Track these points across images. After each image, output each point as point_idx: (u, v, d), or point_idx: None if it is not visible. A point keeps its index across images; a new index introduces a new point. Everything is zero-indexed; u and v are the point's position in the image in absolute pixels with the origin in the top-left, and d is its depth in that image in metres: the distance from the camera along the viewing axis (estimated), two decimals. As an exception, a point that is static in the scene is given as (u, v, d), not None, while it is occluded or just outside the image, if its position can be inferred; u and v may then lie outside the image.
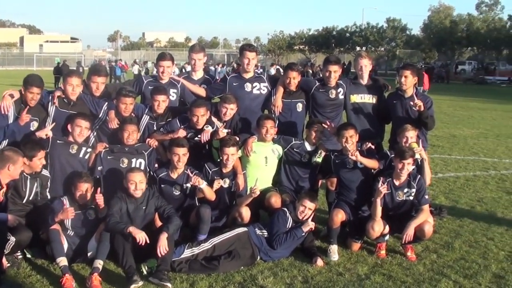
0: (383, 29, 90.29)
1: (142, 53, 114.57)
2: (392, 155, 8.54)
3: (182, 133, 8.70)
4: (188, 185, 8.38)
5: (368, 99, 9.59)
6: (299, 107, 9.63)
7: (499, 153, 17.56)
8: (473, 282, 7.37)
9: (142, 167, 8.41)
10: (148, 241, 7.20)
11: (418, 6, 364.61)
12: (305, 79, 10.66)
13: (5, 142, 8.14)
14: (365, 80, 9.65)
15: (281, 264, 7.86)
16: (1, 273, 7.08)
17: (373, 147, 8.95)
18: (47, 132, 8.22)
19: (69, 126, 8.35)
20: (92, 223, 7.79)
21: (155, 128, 9.04)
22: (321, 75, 11.95)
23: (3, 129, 8.13)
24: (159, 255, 7.22)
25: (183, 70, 33.32)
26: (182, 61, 61.53)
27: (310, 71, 55.97)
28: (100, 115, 8.86)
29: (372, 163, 8.61)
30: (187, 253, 7.68)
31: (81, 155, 8.41)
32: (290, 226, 8.11)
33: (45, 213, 7.66)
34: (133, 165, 8.38)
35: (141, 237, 7.18)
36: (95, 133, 8.90)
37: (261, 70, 11.97)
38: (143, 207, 7.80)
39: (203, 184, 8.14)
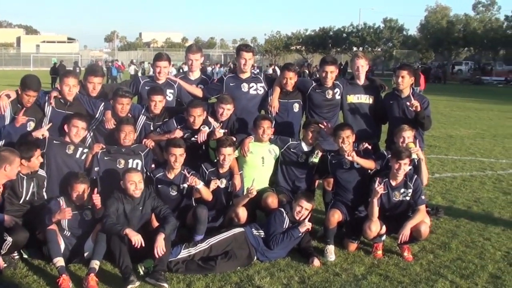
0: (380, 30, 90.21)
1: (139, 53, 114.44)
2: (389, 155, 8.54)
3: (179, 133, 8.71)
4: (185, 185, 8.38)
5: (365, 99, 9.59)
6: (296, 107, 9.63)
7: (496, 153, 17.58)
8: (470, 282, 7.37)
9: (139, 168, 8.41)
10: (143, 244, 7.20)
11: (415, 6, 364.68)
12: (302, 79, 10.69)
13: (1, 143, 8.14)
14: (361, 80, 9.66)
15: (278, 264, 7.85)
16: (-2, 274, 7.08)
17: (369, 147, 8.96)
18: (43, 132, 8.21)
19: (65, 127, 8.34)
20: (89, 224, 7.78)
21: (151, 128, 9.05)
22: (317, 76, 11.95)
23: (-1, 130, 8.15)
24: (156, 256, 7.21)
25: (181, 70, 33.36)
26: (179, 62, 61.59)
27: (307, 72, 56.03)
28: (97, 116, 8.85)
29: (369, 164, 8.61)
30: (184, 253, 7.68)
31: (77, 156, 8.40)
32: (287, 227, 8.11)
33: (42, 213, 7.64)
34: (129, 166, 8.37)
35: (137, 239, 7.18)
36: (91, 134, 8.89)
37: (258, 71, 11.93)
38: (140, 208, 7.81)
39: (199, 185, 8.14)
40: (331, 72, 9.46)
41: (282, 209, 8.28)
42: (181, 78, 9.93)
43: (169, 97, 9.56)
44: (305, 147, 9.07)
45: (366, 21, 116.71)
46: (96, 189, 7.84)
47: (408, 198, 8.34)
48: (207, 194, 8.29)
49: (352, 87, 9.64)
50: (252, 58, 9.79)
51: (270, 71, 51.61)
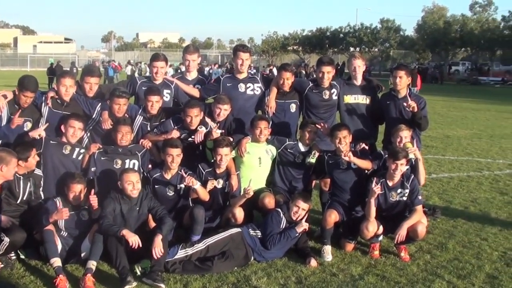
0: (376, 30, 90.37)
1: (136, 53, 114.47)
2: (386, 155, 8.55)
3: (175, 133, 8.70)
4: (182, 185, 8.38)
5: (362, 99, 9.60)
6: (293, 107, 9.63)
7: (493, 154, 17.61)
8: (467, 283, 7.38)
9: (136, 168, 8.41)
10: (141, 245, 7.20)
11: (411, 6, 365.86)
12: (299, 79, 10.66)
13: (-3, 144, 8.13)
14: (358, 81, 9.66)
15: (275, 264, 7.86)
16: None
17: (366, 147, 8.96)
18: (40, 132, 8.20)
19: (62, 127, 8.34)
20: (86, 224, 7.78)
21: (148, 128, 9.03)
22: (314, 76, 11.95)
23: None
24: (155, 257, 7.21)
25: (179, 71, 33.36)
26: (176, 62, 61.48)
27: (304, 72, 56.03)
28: (94, 116, 8.84)
29: (365, 164, 8.62)
30: (181, 253, 7.68)
31: (74, 156, 8.38)
32: (283, 227, 8.11)
33: (39, 213, 7.64)
34: (126, 166, 8.37)
35: (134, 240, 7.19)
36: (88, 134, 8.88)
37: (255, 71, 11.92)
38: (137, 208, 7.81)
39: (196, 185, 8.14)
40: (328, 72, 9.46)
41: (279, 210, 8.29)
42: (178, 79, 9.92)
43: (166, 97, 9.55)
44: (302, 148, 9.07)
45: (363, 21, 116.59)
46: (93, 190, 7.83)
47: (405, 198, 8.35)
48: (204, 195, 8.28)
49: (349, 88, 9.64)
50: (249, 58, 9.79)
51: (267, 71, 51.66)
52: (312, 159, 8.86)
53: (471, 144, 19.47)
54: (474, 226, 9.82)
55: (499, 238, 9.21)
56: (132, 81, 10.01)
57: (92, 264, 7.13)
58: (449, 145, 19.20)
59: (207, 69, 56.14)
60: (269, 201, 8.66)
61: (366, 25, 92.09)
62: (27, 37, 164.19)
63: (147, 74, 13.35)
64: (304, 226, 8.06)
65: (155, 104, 8.93)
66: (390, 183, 8.32)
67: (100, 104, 8.90)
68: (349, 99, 9.59)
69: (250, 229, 8.15)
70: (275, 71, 45.39)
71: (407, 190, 8.31)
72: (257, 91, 9.69)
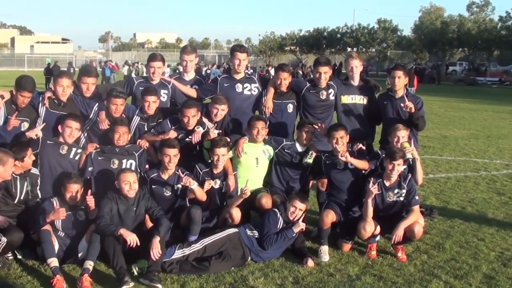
0: (374, 30, 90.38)
1: (133, 54, 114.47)
2: (383, 155, 8.55)
3: (173, 134, 8.71)
4: (179, 185, 8.38)
5: (359, 100, 9.59)
6: (290, 108, 9.63)
7: (490, 154, 17.61)
8: (464, 283, 7.38)
9: (133, 168, 8.39)
10: (139, 244, 7.20)
11: (409, 7, 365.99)
12: (296, 80, 10.66)
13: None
14: (356, 81, 9.66)
15: (272, 264, 7.85)
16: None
17: (363, 148, 8.96)
18: (37, 132, 8.19)
19: (59, 127, 8.33)
20: (83, 224, 7.77)
21: (146, 129, 9.03)
22: (311, 76, 11.96)
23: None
24: (153, 259, 7.20)
25: (177, 71, 33.36)
26: (173, 62, 61.49)
27: (301, 72, 56.06)
28: (91, 116, 8.84)
29: (362, 164, 8.61)
30: (178, 254, 7.67)
31: (71, 156, 8.38)
32: (280, 227, 8.11)
33: (36, 213, 7.63)
34: (123, 166, 8.37)
35: (132, 239, 7.20)
36: (85, 134, 8.87)
37: (252, 71, 11.92)
38: (134, 208, 7.80)
39: (194, 185, 8.14)
40: (325, 72, 9.45)
41: (276, 210, 8.28)
42: (176, 79, 9.92)
43: (163, 97, 9.55)
44: (299, 148, 9.07)
45: (360, 21, 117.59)
46: (90, 190, 7.83)
47: (402, 198, 8.35)
48: (201, 195, 8.28)
49: (346, 88, 9.64)
50: (246, 58, 9.79)
51: (265, 72, 51.68)
52: (309, 159, 8.87)
53: (468, 145, 19.47)
54: (471, 226, 9.82)
55: (496, 238, 9.21)
56: (129, 81, 10.01)
57: (89, 264, 7.12)
58: (446, 145, 19.20)
59: (204, 69, 56.13)
60: (266, 201, 8.66)
61: (364, 26, 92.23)
62: (25, 37, 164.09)
63: (144, 74, 13.32)
64: (301, 226, 8.07)
65: (152, 104, 8.92)
66: (387, 183, 8.33)
67: (97, 104, 8.89)
68: (346, 99, 9.59)
69: (247, 229, 8.15)
70: (272, 71, 45.46)
71: (404, 190, 8.31)
72: (254, 91, 9.68)
